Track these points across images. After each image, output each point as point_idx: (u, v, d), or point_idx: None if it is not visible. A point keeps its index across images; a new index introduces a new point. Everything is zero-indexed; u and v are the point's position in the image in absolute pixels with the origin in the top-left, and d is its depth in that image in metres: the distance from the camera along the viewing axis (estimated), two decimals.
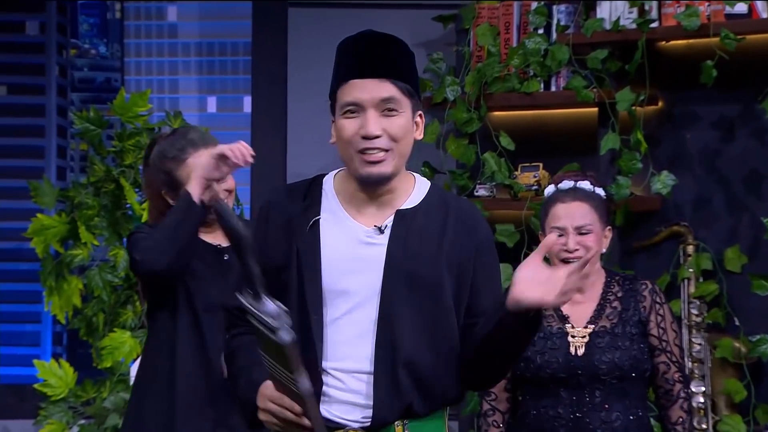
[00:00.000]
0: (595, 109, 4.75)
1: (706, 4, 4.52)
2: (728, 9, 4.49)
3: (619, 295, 3.72)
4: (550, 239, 2.76)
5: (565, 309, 3.71)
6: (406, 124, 2.76)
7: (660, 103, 4.75)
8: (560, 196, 3.72)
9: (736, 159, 4.66)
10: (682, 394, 3.70)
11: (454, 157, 4.94)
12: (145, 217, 4.58)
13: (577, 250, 3.65)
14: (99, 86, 6.23)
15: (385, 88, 2.73)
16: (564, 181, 3.75)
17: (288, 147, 5.19)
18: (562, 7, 4.82)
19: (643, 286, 3.73)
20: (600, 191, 3.76)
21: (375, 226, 2.78)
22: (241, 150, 3.44)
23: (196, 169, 3.52)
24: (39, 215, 4.78)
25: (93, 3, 6.20)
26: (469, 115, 4.86)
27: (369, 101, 2.72)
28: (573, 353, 3.64)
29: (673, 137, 4.74)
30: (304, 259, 2.78)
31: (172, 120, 4.79)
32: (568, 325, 3.69)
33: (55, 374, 4.76)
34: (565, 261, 3.67)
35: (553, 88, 4.82)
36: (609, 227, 3.75)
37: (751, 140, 4.65)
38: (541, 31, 4.84)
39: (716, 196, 4.67)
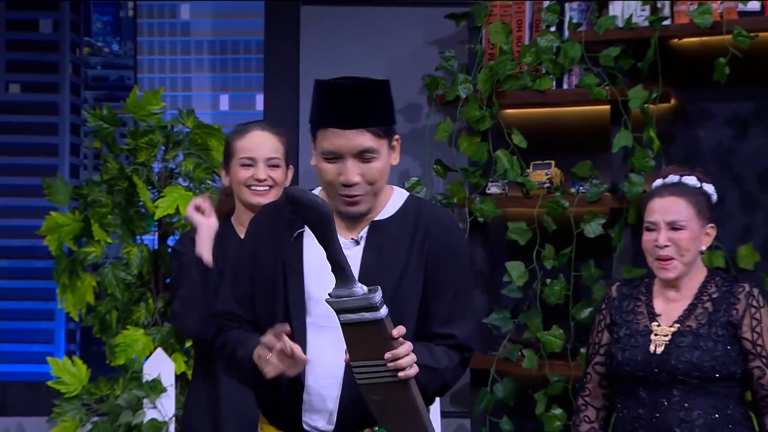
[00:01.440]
0: (608, 107, 4.74)
1: (719, 1, 4.51)
2: (741, 6, 4.48)
3: (714, 296, 3.61)
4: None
5: (658, 307, 3.64)
6: (383, 166, 2.89)
7: (673, 101, 4.75)
8: (660, 190, 3.63)
9: (749, 157, 4.65)
10: None
11: (467, 155, 4.94)
12: (158, 214, 4.59)
13: (667, 246, 3.56)
14: (112, 84, 6.25)
15: (362, 138, 2.84)
16: (670, 176, 3.65)
17: (300, 145, 5.18)
18: (575, 4, 4.82)
19: (740, 289, 3.61)
20: (708, 188, 3.64)
21: (352, 238, 2.90)
22: (196, 203, 3.76)
23: (200, 232, 3.73)
24: (52, 213, 4.78)
25: (106, 1, 6.21)
26: (482, 113, 4.86)
27: (347, 151, 2.85)
28: (652, 351, 3.56)
29: (685, 135, 4.73)
30: (289, 268, 2.90)
31: (185, 118, 4.80)
32: (654, 323, 3.61)
33: (68, 371, 4.76)
34: (657, 258, 3.59)
35: (566, 86, 4.82)
36: (711, 225, 3.63)
37: (764, 138, 4.64)
38: (553, 29, 4.83)
39: (729, 194, 4.66)
